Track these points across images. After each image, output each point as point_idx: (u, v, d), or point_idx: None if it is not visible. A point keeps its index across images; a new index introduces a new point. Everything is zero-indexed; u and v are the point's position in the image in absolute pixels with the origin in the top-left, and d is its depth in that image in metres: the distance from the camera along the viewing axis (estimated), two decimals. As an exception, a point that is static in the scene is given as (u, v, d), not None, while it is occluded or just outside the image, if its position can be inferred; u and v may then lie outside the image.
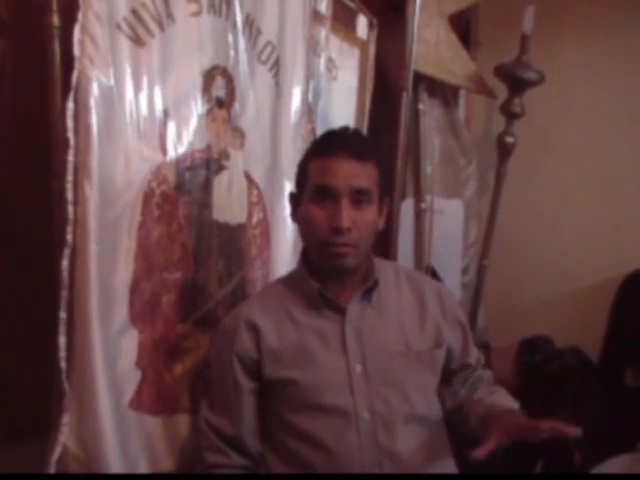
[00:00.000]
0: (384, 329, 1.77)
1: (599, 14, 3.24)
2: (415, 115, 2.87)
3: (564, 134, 3.34)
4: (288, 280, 1.84)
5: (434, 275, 2.94)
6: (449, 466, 1.81)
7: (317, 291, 1.74)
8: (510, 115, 2.89)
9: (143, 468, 1.76)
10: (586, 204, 3.31)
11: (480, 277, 3.02)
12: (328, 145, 1.70)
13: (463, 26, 3.37)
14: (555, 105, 3.33)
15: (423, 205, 2.87)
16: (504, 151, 2.93)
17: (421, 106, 2.86)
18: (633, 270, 3.19)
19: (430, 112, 2.93)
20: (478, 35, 3.41)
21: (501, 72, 2.86)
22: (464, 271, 3.10)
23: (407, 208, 2.85)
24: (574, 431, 1.53)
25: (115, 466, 1.65)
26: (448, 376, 1.89)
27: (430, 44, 2.81)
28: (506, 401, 1.83)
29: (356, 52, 2.52)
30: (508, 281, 3.38)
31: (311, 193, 1.68)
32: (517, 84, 2.84)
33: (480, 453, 1.54)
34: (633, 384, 3.22)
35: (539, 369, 3.21)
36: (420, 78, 2.84)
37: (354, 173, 1.67)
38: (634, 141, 3.23)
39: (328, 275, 1.75)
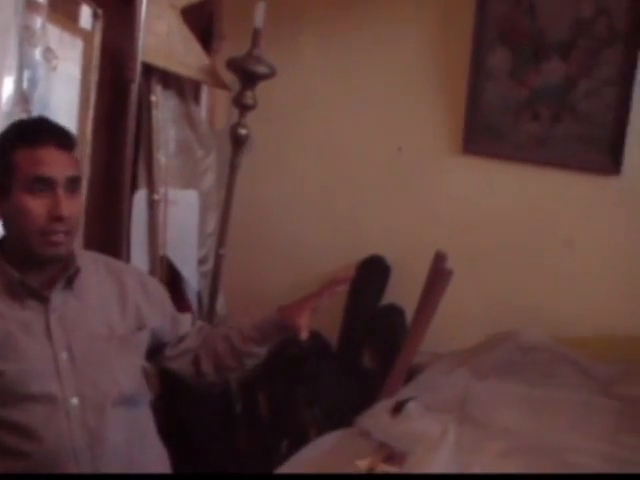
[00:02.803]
0: (87, 315, 1.83)
1: (337, 7, 3.37)
2: (148, 106, 2.87)
3: (303, 125, 3.47)
4: None
5: (170, 266, 2.97)
6: (156, 446, 1.97)
7: (18, 281, 1.74)
8: (243, 107, 2.95)
9: None
10: (323, 192, 3.46)
11: (217, 266, 3.07)
12: (36, 136, 1.72)
13: (206, 19, 3.40)
14: (295, 97, 3.45)
15: (156, 196, 2.87)
16: (238, 142, 2.99)
17: (154, 98, 2.87)
18: (367, 256, 3.35)
19: (165, 104, 2.94)
20: (221, 28, 3.45)
21: (233, 65, 2.91)
22: (203, 261, 3.14)
23: (140, 199, 2.85)
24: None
25: None
26: (164, 348, 2.06)
27: (161, 36, 2.81)
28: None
29: (79, 43, 2.49)
30: (250, 269, 3.47)
31: (25, 184, 1.69)
32: (248, 77, 2.90)
33: (304, 334, 2.02)
34: (370, 366, 3.38)
35: (280, 353, 3.31)
36: (152, 70, 2.85)
37: (66, 162, 1.74)
38: (369, 131, 3.40)
39: (30, 265, 1.76)
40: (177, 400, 2.94)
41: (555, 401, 2.47)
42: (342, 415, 2.83)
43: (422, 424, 2.05)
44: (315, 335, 3.36)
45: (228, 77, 3.13)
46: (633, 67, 3.03)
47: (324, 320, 3.31)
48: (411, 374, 2.83)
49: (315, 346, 3.34)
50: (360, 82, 3.39)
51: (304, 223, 3.47)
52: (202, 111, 3.36)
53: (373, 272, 3.38)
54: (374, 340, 3.37)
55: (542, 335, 2.99)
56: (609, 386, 2.70)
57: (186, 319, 2.15)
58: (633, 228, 3.11)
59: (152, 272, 2.89)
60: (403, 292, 3.23)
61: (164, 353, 2.07)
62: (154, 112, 2.87)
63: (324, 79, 3.44)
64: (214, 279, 3.07)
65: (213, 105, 3.50)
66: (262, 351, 2.12)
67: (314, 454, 2.04)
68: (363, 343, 3.40)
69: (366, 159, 3.41)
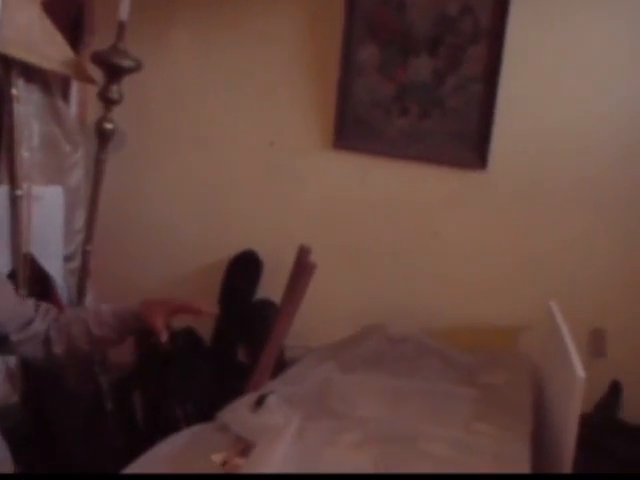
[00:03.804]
0: None
1: (208, 4, 3.37)
2: (9, 100, 2.80)
3: (176, 120, 3.47)
4: None
5: (34, 262, 2.90)
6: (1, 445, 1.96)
7: None
8: (108, 101, 2.91)
9: None
10: (196, 187, 3.46)
11: (84, 263, 3.02)
12: None
13: (76, 12, 3.34)
14: (168, 92, 3.45)
15: (19, 192, 2.80)
16: (103, 137, 2.95)
17: (15, 91, 2.79)
18: (240, 251, 3.35)
19: (27, 97, 2.86)
20: (92, 23, 3.40)
21: (97, 59, 2.86)
22: (71, 257, 3.07)
23: (1, 195, 2.78)
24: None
25: None
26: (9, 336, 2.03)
27: (21, 28, 2.74)
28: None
29: None
30: (121, 266, 3.44)
31: None
32: (113, 71, 2.86)
33: (164, 337, 2.05)
34: (244, 361, 3.38)
35: (154, 351, 3.28)
36: (13, 63, 2.78)
37: None
38: (242, 126, 3.43)
39: None
40: (44, 400, 2.88)
41: (416, 391, 2.52)
42: (216, 411, 2.84)
43: (277, 417, 2.05)
44: (189, 332, 3.36)
45: (98, 72, 3.08)
46: (497, 63, 3.11)
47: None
48: (285, 368, 2.85)
49: (189, 343, 3.33)
50: (232, 77, 3.40)
51: (177, 218, 3.46)
52: (72, 106, 3.30)
53: (246, 267, 3.39)
54: (248, 335, 3.37)
55: (410, 327, 3.04)
56: (472, 375, 2.77)
57: (29, 305, 2.12)
58: (497, 221, 3.21)
59: (16, 269, 2.82)
60: (276, 287, 3.21)
61: (10, 339, 2.03)
62: (15, 106, 2.79)
63: (197, 74, 3.44)
64: (81, 276, 3.02)
65: (84, 100, 3.45)
66: (117, 338, 2.14)
67: (169, 449, 2.02)
68: (237, 338, 3.41)
69: (239, 154, 3.42)
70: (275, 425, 1.93)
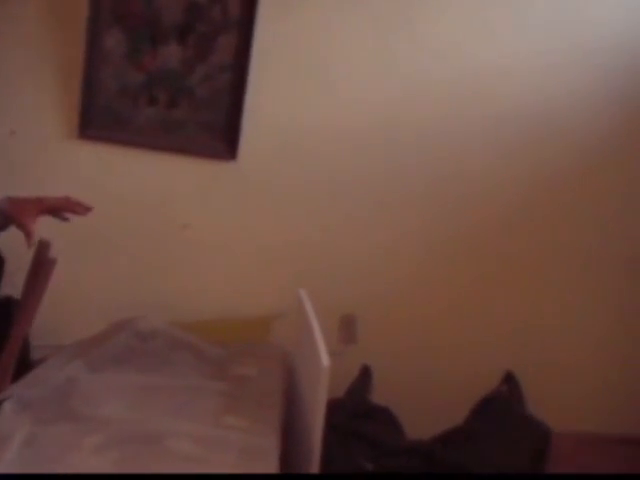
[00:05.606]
0: None
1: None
2: None
3: None
4: None
5: None
6: None
7: None
8: None
9: None
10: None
11: None
12: None
13: None
14: None
15: None
16: None
17: None
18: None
19: None
20: None
21: None
22: None
23: None
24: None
25: None
26: None
27: None
28: None
29: None
30: None
31: None
32: None
33: (31, 241, 2.07)
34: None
35: None
36: None
37: None
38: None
39: None
40: None
41: (165, 388, 2.48)
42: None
43: (11, 424, 1.94)
44: None
45: None
46: (247, 53, 3.10)
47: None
48: (31, 369, 2.71)
49: None
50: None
51: None
52: None
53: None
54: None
55: (160, 321, 2.98)
56: (223, 368, 2.76)
57: None
58: (248, 212, 3.23)
59: None
60: (21, 284, 3.08)
61: None
62: None
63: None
64: None
65: None
66: None
67: None
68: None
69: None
70: (6, 433, 1.80)
